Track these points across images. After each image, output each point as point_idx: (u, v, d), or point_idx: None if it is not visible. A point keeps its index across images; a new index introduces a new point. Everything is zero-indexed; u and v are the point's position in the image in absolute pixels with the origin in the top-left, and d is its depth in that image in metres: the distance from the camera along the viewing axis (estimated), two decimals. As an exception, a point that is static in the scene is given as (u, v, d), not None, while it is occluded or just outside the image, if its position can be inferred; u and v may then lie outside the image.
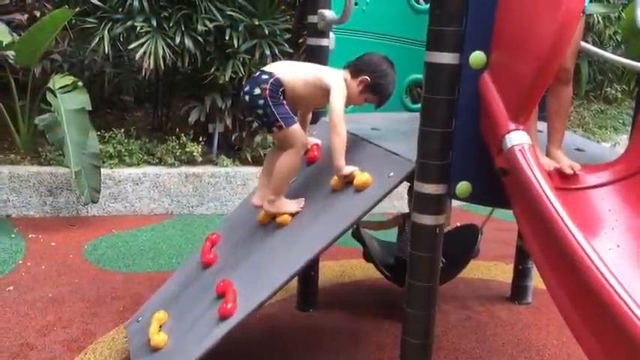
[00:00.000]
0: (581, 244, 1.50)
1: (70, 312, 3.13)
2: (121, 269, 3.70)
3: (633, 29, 2.41)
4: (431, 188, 2.06)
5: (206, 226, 4.47)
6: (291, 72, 2.49)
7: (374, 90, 2.52)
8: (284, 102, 2.44)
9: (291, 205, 2.50)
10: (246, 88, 2.45)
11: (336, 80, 2.48)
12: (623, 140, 6.51)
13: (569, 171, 1.98)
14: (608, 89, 8.08)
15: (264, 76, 2.44)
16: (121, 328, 2.96)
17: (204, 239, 2.87)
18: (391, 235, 3.34)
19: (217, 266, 2.61)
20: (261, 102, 2.40)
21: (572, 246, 1.51)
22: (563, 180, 2.00)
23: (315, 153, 2.72)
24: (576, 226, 1.55)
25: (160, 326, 2.48)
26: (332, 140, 2.38)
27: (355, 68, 2.53)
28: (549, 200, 1.60)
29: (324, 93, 2.48)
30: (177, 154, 4.84)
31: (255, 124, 5.06)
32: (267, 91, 2.39)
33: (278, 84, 2.42)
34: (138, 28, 4.52)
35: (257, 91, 2.41)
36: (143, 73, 4.63)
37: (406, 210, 3.08)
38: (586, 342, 1.60)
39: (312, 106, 2.72)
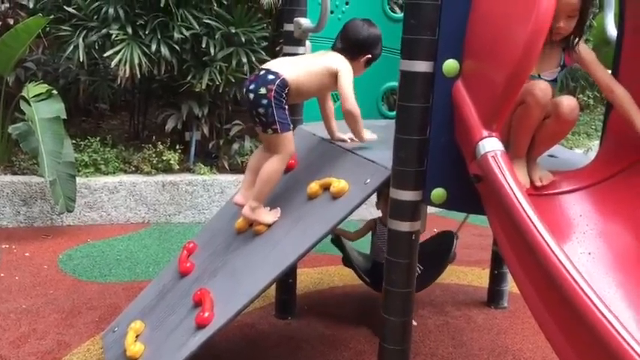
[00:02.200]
0: (553, 249, 1.53)
1: (44, 323, 3.08)
2: (97, 279, 3.66)
3: (604, 37, 2.47)
4: (407, 195, 2.08)
5: (183, 235, 4.44)
6: (296, 69, 2.49)
7: (374, 59, 2.63)
8: (286, 106, 2.45)
9: (269, 216, 2.51)
10: (252, 87, 2.43)
11: (344, 65, 2.52)
12: (595, 146, 6.62)
13: (537, 183, 2.01)
14: (581, 96, 8.23)
15: (271, 76, 2.43)
16: (96, 338, 2.93)
17: (181, 248, 2.86)
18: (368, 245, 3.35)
19: (194, 275, 2.60)
20: (264, 102, 2.40)
21: (545, 251, 1.54)
22: (535, 186, 2.04)
23: (292, 161, 2.73)
24: (548, 232, 1.58)
25: (137, 336, 2.46)
26: (347, 122, 2.50)
27: (352, 50, 2.57)
28: (522, 206, 1.63)
29: (332, 79, 2.52)
30: (154, 162, 4.81)
31: (233, 132, 5.06)
32: (273, 92, 2.40)
33: (284, 85, 2.43)
34: (113, 36, 4.49)
35: (262, 90, 2.41)
36: (119, 81, 4.60)
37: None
38: (560, 346, 1.62)
39: (323, 93, 2.73)
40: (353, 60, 2.57)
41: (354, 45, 2.58)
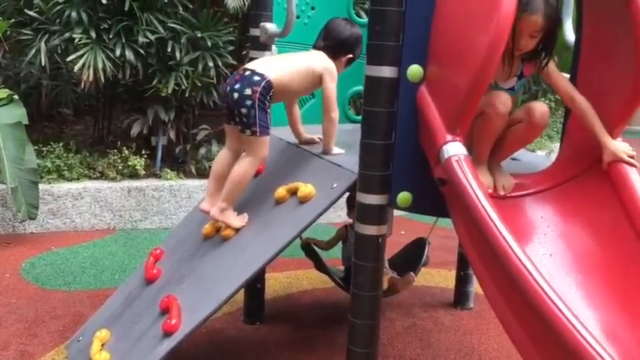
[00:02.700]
0: (515, 251, 1.57)
1: (6, 333, 3.01)
2: (61, 287, 3.59)
3: (563, 42, 2.53)
4: (373, 199, 2.10)
5: (150, 241, 4.39)
6: (281, 69, 2.49)
7: (354, 59, 2.68)
8: (269, 110, 2.46)
9: (237, 220, 2.50)
10: (237, 86, 2.41)
11: (327, 66, 2.55)
12: (557, 148, 6.76)
13: (500, 192, 2.03)
14: (543, 99, 8.41)
15: (257, 78, 2.42)
16: (61, 348, 2.87)
17: (147, 254, 2.83)
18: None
19: (161, 282, 2.58)
20: (248, 103, 2.40)
21: (507, 253, 1.58)
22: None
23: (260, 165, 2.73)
24: (510, 234, 1.62)
25: (102, 345, 2.42)
26: (325, 126, 2.52)
27: (334, 49, 2.62)
28: (484, 209, 1.67)
29: (314, 82, 2.55)
30: (119, 167, 4.74)
31: (200, 136, 5.03)
32: (258, 94, 2.39)
33: (269, 87, 2.42)
34: (76, 40, 4.42)
35: (248, 91, 2.40)
36: (82, 86, 4.53)
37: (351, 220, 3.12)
38: (523, 345, 1.67)
39: (301, 95, 2.78)
40: (335, 59, 2.60)
41: (336, 44, 2.62)
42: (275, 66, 2.51)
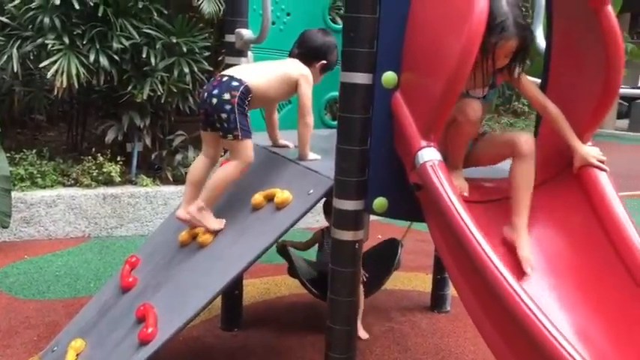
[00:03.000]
0: (488, 255, 1.59)
1: (-22, 345, 2.96)
2: (35, 297, 3.54)
3: (534, 48, 2.57)
4: (349, 204, 2.11)
5: (126, 249, 4.35)
6: (258, 76, 2.52)
7: (330, 66, 2.71)
8: (248, 113, 2.47)
9: (215, 223, 2.49)
10: (215, 91, 2.43)
11: (303, 73, 2.58)
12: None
13: (464, 193, 2.03)
14: (516, 103, 8.55)
15: (235, 83, 2.44)
16: (35, 358, 2.83)
17: (123, 262, 2.80)
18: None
19: (137, 290, 2.55)
20: (228, 107, 2.40)
21: (481, 257, 1.60)
22: (472, 193, 2.10)
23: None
24: (484, 238, 1.64)
25: (77, 355, 2.39)
26: (300, 131, 2.54)
27: (308, 56, 2.67)
28: (458, 214, 1.69)
29: (291, 88, 2.58)
30: (94, 174, 4.70)
31: (176, 142, 5.00)
32: (237, 99, 2.41)
33: (247, 92, 2.44)
34: (49, 46, 4.37)
35: (226, 96, 2.41)
36: (56, 92, 4.47)
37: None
38: (497, 347, 1.69)
39: (278, 102, 2.80)
40: (309, 66, 2.64)
41: (309, 51, 2.68)
42: (252, 72, 2.53)
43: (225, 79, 2.47)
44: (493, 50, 1.91)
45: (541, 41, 2.50)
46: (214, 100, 2.42)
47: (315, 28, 2.78)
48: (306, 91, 2.55)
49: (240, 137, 2.43)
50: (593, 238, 1.88)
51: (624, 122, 14.47)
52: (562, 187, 2.06)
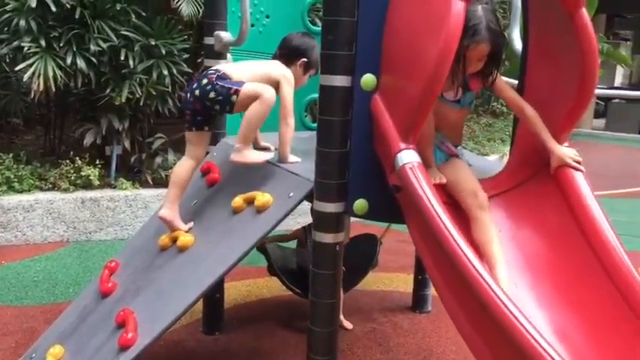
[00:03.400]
0: (467, 255, 1.61)
1: (-46, 353, 2.91)
2: (13, 303, 3.49)
3: (512, 50, 2.60)
4: (330, 207, 2.12)
5: (105, 253, 4.31)
6: (238, 71, 2.54)
7: (311, 65, 2.71)
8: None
9: (258, 156, 2.50)
10: (195, 85, 2.48)
11: (285, 73, 2.60)
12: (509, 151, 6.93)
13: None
14: (495, 104, 8.63)
15: (210, 72, 2.51)
16: (13, 366, 2.79)
17: (103, 267, 2.77)
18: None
19: (117, 295, 2.53)
20: (209, 87, 2.44)
21: (459, 258, 1.61)
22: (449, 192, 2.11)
23: (215, 175, 2.71)
24: (462, 239, 1.66)
25: (56, 362, 2.36)
26: (281, 131, 2.53)
27: (289, 56, 2.69)
28: (437, 214, 1.70)
29: (274, 87, 2.57)
30: (72, 178, 4.64)
31: (156, 145, 4.96)
32: (214, 78, 2.45)
33: (224, 77, 2.48)
34: (25, 49, 4.31)
35: (204, 81, 2.46)
36: (32, 95, 4.42)
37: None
38: (476, 346, 1.70)
39: None
40: (291, 66, 2.67)
41: (289, 51, 2.71)
42: (234, 70, 2.55)
43: (202, 73, 2.54)
44: (464, 52, 1.93)
45: (518, 43, 2.53)
46: (197, 92, 2.46)
47: (294, 32, 2.79)
48: (288, 91, 2.56)
49: (241, 90, 2.44)
50: (570, 238, 1.90)
51: (601, 122, 14.68)
52: (539, 187, 2.09)
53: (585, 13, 1.82)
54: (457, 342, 3.16)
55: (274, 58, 2.75)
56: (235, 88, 2.44)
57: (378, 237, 3.38)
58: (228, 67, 2.59)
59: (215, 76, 2.46)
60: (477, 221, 1.96)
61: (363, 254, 3.35)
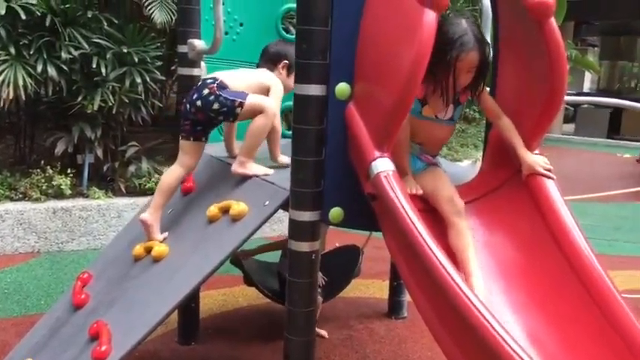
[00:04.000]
0: (441, 262, 1.62)
1: None
2: (-18, 316, 3.42)
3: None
4: (305, 215, 2.12)
5: (78, 263, 4.24)
6: (234, 79, 2.56)
7: (293, 65, 2.70)
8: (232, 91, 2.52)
9: (259, 169, 2.50)
10: (195, 96, 2.49)
11: (275, 80, 2.65)
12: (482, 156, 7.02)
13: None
14: (468, 110, 8.73)
15: (209, 81, 2.51)
16: (-17, 381, 2.73)
17: (75, 278, 2.73)
18: (273, 256, 3.36)
19: (90, 307, 2.49)
20: (212, 97, 2.46)
21: (435, 265, 1.63)
22: (426, 202, 2.14)
23: (190, 184, 2.70)
24: (437, 246, 1.67)
25: (28, 376, 2.32)
26: (274, 140, 2.61)
27: (271, 62, 2.75)
28: (412, 222, 1.72)
29: (264, 94, 2.60)
30: (43, 187, 4.56)
31: (129, 154, 4.91)
32: (215, 88, 2.47)
33: (223, 85, 2.50)
34: (-6, 57, 4.25)
35: (206, 91, 2.47)
36: (2, 104, 4.34)
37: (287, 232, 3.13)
38: (451, 352, 1.72)
39: None
40: (274, 70, 2.73)
41: (269, 57, 2.77)
42: (229, 79, 2.57)
43: (199, 83, 2.56)
44: (454, 64, 1.96)
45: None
46: (199, 103, 2.47)
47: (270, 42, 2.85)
48: (277, 97, 2.61)
49: (245, 103, 2.47)
50: (542, 243, 1.93)
51: (570, 126, 14.97)
52: (512, 193, 2.12)
53: (553, 22, 1.86)
54: (432, 348, 3.18)
55: (258, 66, 2.80)
56: (240, 100, 2.46)
57: (360, 247, 3.40)
58: (223, 75, 2.59)
59: (216, 85, 2.48)
60: (454, 227, 1.98)
61: (345, 264, 3.36)
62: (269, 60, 2.77)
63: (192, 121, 2.52)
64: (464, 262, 1.90)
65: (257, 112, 2.50)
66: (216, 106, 2.46)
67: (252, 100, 2.49)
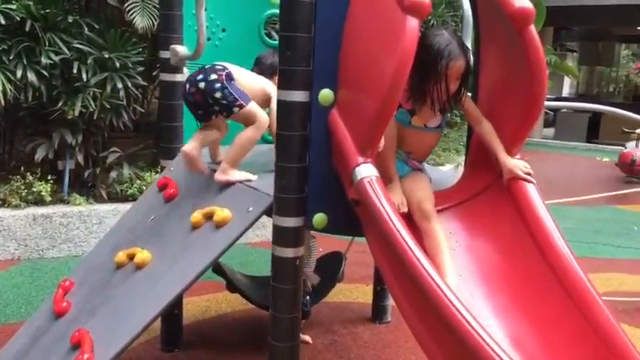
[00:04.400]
0: (426, 268, 1.64)
1: None
2: (-39, 325, 3.37)
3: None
4: (289, 221, 2.12)
5: (59, 271, 4.20)
6: (241, 76, 2.57)
7: None
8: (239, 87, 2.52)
9: (242, 175, 2.50)
10: (200, 77, 2.48)
11: (274, 89, 2.62)
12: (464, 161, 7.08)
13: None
14: (449, 115, 8.78)
15: (219, 67, 2.51)
16: (-38, 391, 2.69)
17: (56, 285, 2.70)
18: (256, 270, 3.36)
19: (71, 315, 2.47)
20: (218, 85, 2.45)
21: (418, 270, 1.64)
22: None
23: (172, 190, 2.69)
24: (420, 251, 1.68)
25: (9, 386, 2.29)
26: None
27: (267, 70, 2.78)
28: (395, 227, 1.73)
29: (263, 102, 2.62)
30: (23, 194, 4.51)
31: (111, 159, 4.87)
32: (224, 76, 2.47)
33: (231, 77, 2.50)
34: (-28, 62, 4.20)
35: (213, 76, 2.47)
36: (-20, 110, 4.29)
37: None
38: (433, 355, 1.74)
39: None
40: (271, 80, 2.72)
41: (265, 66, 2.80)
42: (237, 73, 2.57)
43: (207, 66, 2.55)
44: (445, 72, 2.01)
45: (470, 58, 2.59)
46: (202, 85, 2.47)
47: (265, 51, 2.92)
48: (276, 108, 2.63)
49: (245, 104, 2.47)
50: (523, 247, 1.96)
51: (550, 131, 15.15)
52: (494, 198, 2.14)
53: (533, 29, 1.89)
54: (416, 352, 3.19)
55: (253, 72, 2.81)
56: (241, 102, 2.48)
57: (343, 253, 3.41)
58: (232, 67, 2.59)
59: (224, 74, 2.48)
60: (423, 232, 2.02)
61: (329, 270, 3.37)
62: (266, 70, 2.78)
63: (191, 103, 2.54)
64: (437, 266, 1.92)
65: (250, 121, 2.50)
66: (218, 94, 2.46)
67: (253, 107, 2.50)
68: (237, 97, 2.47)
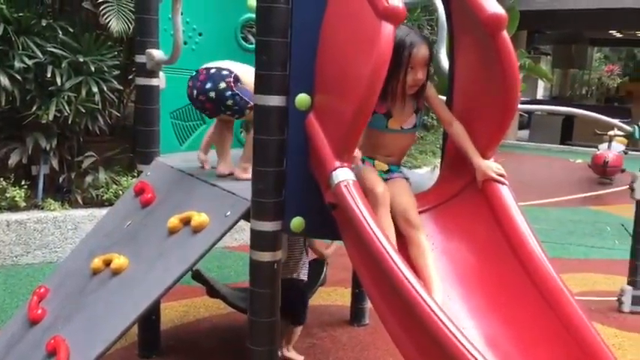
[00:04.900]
0: (402, 271, 1.65)
1: None
2: None
3: (440, 69, 2.69)
4: (266, 225, 2.12)
5: (33, 277, 4.14)
6: (245, 75, 2.55)
7: None
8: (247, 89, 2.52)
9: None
10: (209, 85, 2.50)
11: None
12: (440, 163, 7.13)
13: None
14: (426, 117, 8.85)
15: (225, 72, 2.53)
16: None
17: (31, 293, 2.67)
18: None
19: (47, 322, 2.44)
20: (229, 93, 2.49)
21: (395, 273, 1.65)
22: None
23: (149, 195, 2.67)
24: (397, 253, 1.70)
25: (-18, 395, 2.25)
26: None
27: None
28: (372, 231, 1.74)
29: None
30: (-4, 200, 4.45)
31: (86, 164, 4.82)
32: (232, 82, 2.49)
33: (238, 79, 2.52)
34: (-57, 66, 4.13)
35: (222, 85, 2.49)
36: (-49, 114, 4.22)
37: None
38: (411, 357, 1.75)
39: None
40: None
41: None
42: (240, 71, 2.57)
43: (212, 70, 2.55)
44: (408, 62, 2.03)
45: (445, 61, 2.62)
46: (213, 94, 2.49)
47: None
48: None
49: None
50: (498, 249, 1.98)
51: (525, 133, 15.35)
52: (469, 200, 2.16)
53: (506, 35, 1.91)
54: (394, 354, 3.19)
55: None
56: (252, 104, 2.46)
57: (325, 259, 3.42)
58: (234, 66, 2.59)
59: (232, 79, 2.50)
60: (410, 241, 2.03)
61: (311, 275, 3.37)
62: None
63: (199, 107, 2.60)
64: (421, 270, 1.94)
65: None
66: (230, 102, 2.50)
67: None
68: (246, 101, 2.50)
